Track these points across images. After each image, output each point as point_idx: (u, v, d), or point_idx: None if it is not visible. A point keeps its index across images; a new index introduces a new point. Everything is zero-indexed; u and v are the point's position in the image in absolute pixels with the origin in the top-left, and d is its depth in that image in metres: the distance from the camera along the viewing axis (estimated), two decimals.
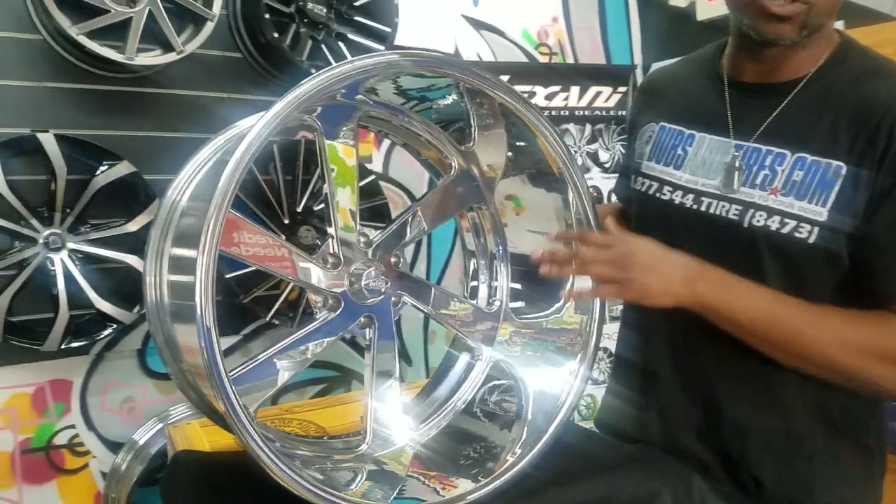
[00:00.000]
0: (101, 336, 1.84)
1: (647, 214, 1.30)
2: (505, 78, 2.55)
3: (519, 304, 1.31)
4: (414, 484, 1.09)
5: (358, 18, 2.17)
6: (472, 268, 1.35)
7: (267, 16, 1.98)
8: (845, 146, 1.09)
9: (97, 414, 1.96)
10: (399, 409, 1.15)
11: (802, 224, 1.10)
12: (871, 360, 1.06)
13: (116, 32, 1.80)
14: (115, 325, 1.83)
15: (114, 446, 1.96)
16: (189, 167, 1.19)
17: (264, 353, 1.04)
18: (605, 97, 2.69)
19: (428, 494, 1.07)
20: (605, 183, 2.72)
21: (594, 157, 2.70)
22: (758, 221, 1.14)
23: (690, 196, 1.24)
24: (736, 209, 1.17)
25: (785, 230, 1.12)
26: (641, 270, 1.09)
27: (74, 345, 1.78)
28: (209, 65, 2.01)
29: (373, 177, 2.18)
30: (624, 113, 2.68)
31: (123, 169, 1.83)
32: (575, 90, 2.62)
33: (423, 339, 2.53)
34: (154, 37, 1.85)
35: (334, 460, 1.10)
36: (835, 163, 1.09)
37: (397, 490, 1.05)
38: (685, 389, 1.24)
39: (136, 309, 1.85)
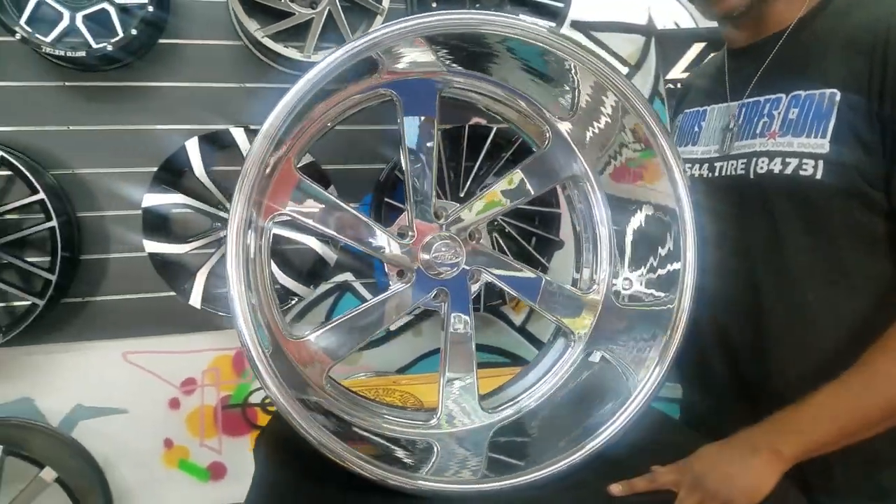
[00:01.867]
0: (284, 308, 2.03)
1: None
2: (700, 46, 2.36)
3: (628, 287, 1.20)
4: (468, 463, 1.07)
5: None
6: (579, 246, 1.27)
7: (434, 3, 2.04)
8: (839, 74, 1.06)
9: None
10: (474, 388, 1.12)
11: (805, 160, 1.07)
12: None
13: (300, 33, 1.98)
14: (295, 299, 2.02)
15: None
16: None
17: (334, 320, 1.08)
18: None
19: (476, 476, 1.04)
20: None
21: None
22: (761, 168, 1.12)
23: (706, 166, 1.25)
24: (742, 163, 1.17)
25: (788, 170, 1.09)
26: (721, 482, 0.97)
27: None
28: None
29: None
30: None
31: (303, 159, 2.00)
32: None
33: None
34: (330, 34, 2.00)
35: (408, 433, 1.12)
36: (828, 91, 1.07)
37: (444, 467, 1.04)
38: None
39: (313, 286, 2.03)
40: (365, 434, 1.07)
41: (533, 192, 1.19)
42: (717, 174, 1.23)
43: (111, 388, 2.01)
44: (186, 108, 2.03)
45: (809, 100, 1.09)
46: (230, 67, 2.06)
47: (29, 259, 1.86)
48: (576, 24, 2.37)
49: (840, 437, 1.01)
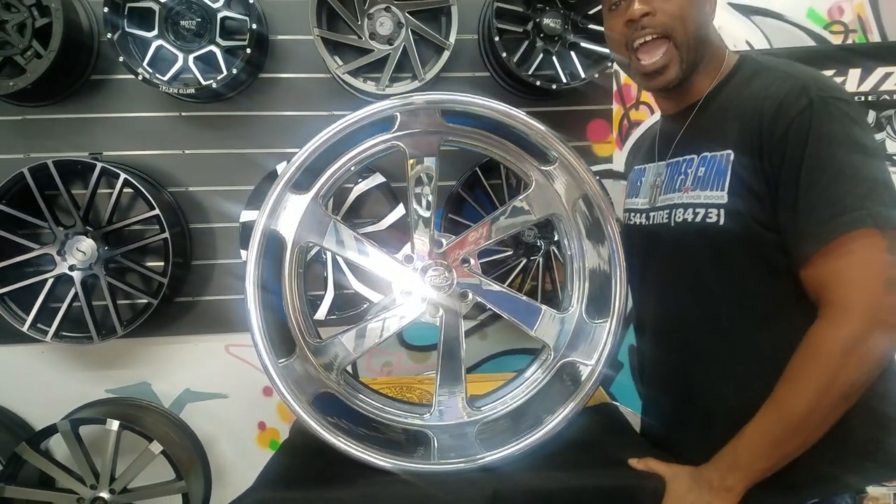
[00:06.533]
0: (357, 311, 2.28)
1: (628, 245, 1.35)
2: None
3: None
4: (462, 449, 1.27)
5: (591, 26, 2.27)
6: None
7: (497, 38, 2.20)
8: (734, 137, 1.25)
9: (364, 373, 2.43)
10: (462, 389, 1.32)
11: (710, 210, 1.26)
12: (852, 358, 1.10)
13: (378, 66, 2.22)
14: (367, 303, 2.27)
15: None
16: None
17: (347, 328, 1.31)
18: None
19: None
20: None
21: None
22: (679, 217, 1.33)
23: (643, 215, 1.47)
24: (665, 213, 1.38)
25: (698, 219, 1.28)
26: None
27: (335, 316, 2.26)
28: (454, 86, 2.32)
29: None
30: None
31: (375, 179, 2.25)
32: (854, 73, 2.30)
33: None
34: (400, 68, 2.23)
35: (405, 423, 1.33)
36: (725, 152, 1.26)
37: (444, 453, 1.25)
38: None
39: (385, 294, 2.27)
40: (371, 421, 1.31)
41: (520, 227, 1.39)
42: (649, 222, 1.44)
43: (214, 375, 2.35)
44: (282, 134, 2.32)
45: (713, 160, 1.28)
46: (320, 98, 2.34)
47: (148, 264, 2.22)
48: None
49: (784, 455, 1.15)
